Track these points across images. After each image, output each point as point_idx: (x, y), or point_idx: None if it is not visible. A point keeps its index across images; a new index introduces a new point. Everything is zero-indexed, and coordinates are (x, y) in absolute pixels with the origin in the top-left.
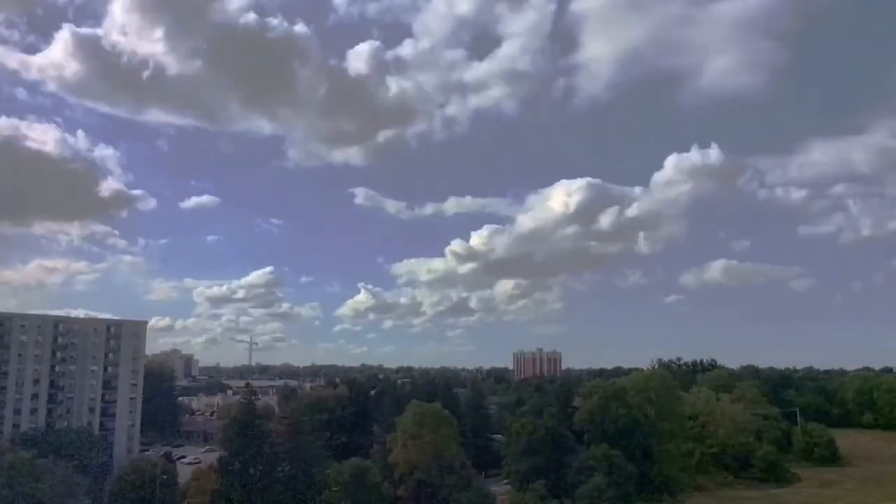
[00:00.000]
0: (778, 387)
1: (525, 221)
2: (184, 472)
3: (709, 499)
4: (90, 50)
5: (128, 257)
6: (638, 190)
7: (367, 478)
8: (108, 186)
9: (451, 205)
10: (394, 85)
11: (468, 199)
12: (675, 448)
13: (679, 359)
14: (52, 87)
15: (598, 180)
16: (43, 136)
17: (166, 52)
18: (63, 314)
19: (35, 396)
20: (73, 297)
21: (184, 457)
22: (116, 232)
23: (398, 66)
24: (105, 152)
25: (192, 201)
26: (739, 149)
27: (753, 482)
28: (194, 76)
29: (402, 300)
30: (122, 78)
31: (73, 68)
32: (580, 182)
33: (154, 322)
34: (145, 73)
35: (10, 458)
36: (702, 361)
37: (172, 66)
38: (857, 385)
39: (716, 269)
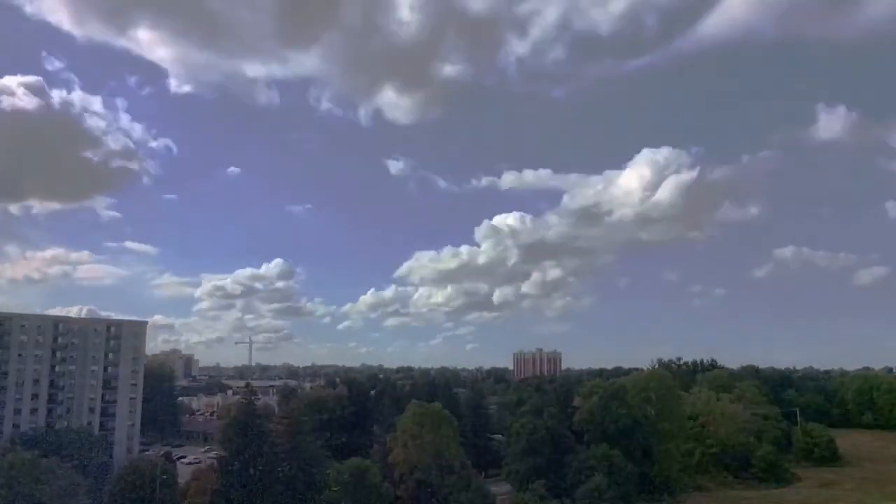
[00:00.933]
0: (778, 387)
1: (576, 201)
2: (184, 472)
3: (709, 499)
4: None
5: (130, 243)
6: (745, 158)
7: (367, 478)
8: (103, 152)
9: (509, 179)
10: None
11: (528, 175)
12: (675, 448)
13: (679, 359)
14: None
15: (696, 148)
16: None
17: None
18: (63, 312)
19: (35, 396)
20: (73, 291)
21: (184, 457)
22: (119, 215)
23: None
24: (89, 99)
25: (200, 177)
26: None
27: (753, 482)
28: None
29: (414, 297)
30: None
31: None
32: (664, 153)
33: (156, 320)
34: None
35: (11, 459)
36: (702, 361)
37: None
38: (857, 385)
39: (782, 257)
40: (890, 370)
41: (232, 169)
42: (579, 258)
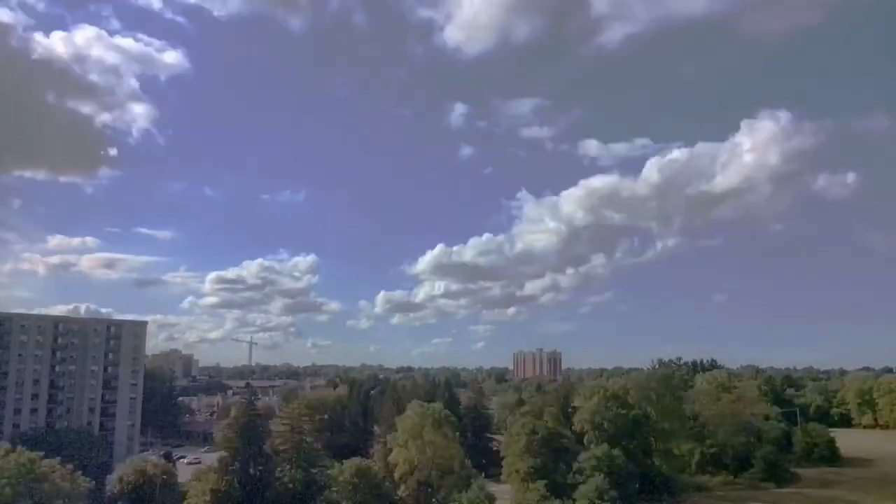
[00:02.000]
0: (778, 387)
1: (645, 177)
2: (184, 472)
3: (709, 499)
4: None
5: (136, 231)
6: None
7: (367, 478)
8: (97, 103)
9: (590, 147)
10: None
11: (622, 146)
12: (675, 448)
13: (679, 359)
14: None
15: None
16: None
17: None
18: (63, 309)
19: (35, 396)
20: (71, 287)
21: (184, 457)
22: (119, 196)
23: None
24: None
25: (205, 158)
26: None
27: (753, 482)
28: None
29: (429, 295)
30: None
31: None
32: (781, 116)
33: (156, 319)
34: None
35: (11, 459)
36: (702, 361)
37: None
38: (857, 385)
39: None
40: (890, 370)
41: (238, 151)
42: (606, 255)
